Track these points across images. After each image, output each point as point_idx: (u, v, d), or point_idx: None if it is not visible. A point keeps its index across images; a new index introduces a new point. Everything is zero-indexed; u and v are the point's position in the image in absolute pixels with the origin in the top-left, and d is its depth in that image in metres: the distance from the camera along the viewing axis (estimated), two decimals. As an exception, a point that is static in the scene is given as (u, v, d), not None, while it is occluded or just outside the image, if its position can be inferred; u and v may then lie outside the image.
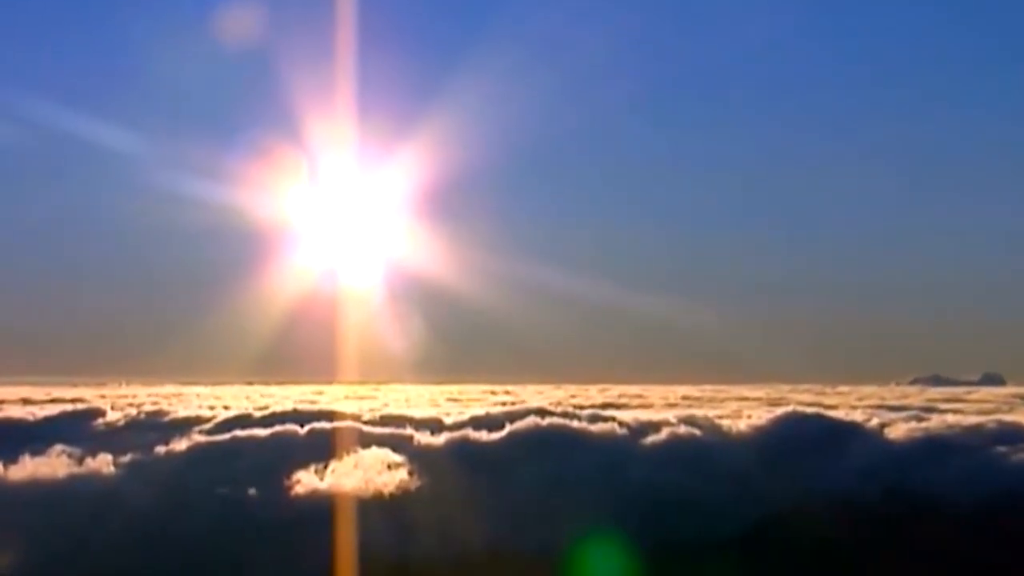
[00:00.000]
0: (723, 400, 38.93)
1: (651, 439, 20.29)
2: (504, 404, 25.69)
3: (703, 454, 20.02)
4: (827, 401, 28.06)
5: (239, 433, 20.50)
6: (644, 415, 23.02)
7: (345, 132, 15.95)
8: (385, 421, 22.50)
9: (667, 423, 21.53)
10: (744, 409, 28.14)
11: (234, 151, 17.19)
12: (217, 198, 19.15)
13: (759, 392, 45.96)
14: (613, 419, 21.78)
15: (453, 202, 17.60)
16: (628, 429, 21.16)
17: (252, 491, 18.42)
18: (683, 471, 19.72)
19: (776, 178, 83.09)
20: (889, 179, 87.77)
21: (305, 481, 19.12)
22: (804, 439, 20.27)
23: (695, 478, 19.67)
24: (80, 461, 18.96)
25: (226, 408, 23.56)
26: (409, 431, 21.17)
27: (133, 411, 25.17)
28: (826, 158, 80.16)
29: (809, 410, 22.20)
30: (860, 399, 36.22)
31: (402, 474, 19.21)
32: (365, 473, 19.35)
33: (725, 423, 22.65)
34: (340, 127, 15.89)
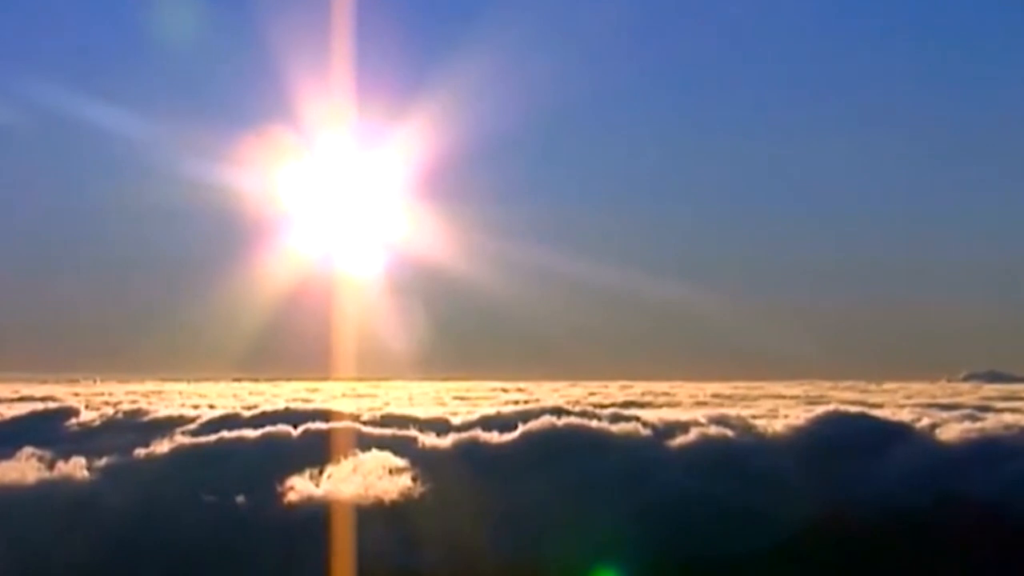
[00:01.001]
0: (757, 398, 38.79)
1: (679, 441, 20.27)
2: (516, 403, 25.57)
3: (736, 457, 20.03)
4: (872, 399, 28.00)
5: (226, 435, 20.41)
6: (671, 414, 23.03)
7: (342, 110, 15.92)
8: (386, 421, 22.52)
9: (696, 423, 21.58)
10: (780, 408, 28.17)
11: (223, 130, 17.19)
12: (203, 178, 19.09)
13: (796, 389, 45.90)
14: (636, 419, 21.74)
15: (460, 183, 17.68)
16: (653, 430, 21.15)
17: (241, 499, 18.42)
18: (714, 476, 19.69)
19: (814, 157, 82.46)
20: (940, 158, 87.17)
21: (299, 488, 19.14)
22: (847, 441, 20.22)
23: (728, 484, 19.66)
24: (51, 465, 18.77)
25: (211, 407, 23.52)
26: (412, 432, 21.12)
27: (109, 410, 25.14)
28: (871, 137, 79.75)
29: (852, 409, 22.13)
30: (908, 397, 36.12)
31: (405, 480, 19.24)
32: (364, 479, 19.39)
33: (760, 423, 22.67)
34: (337, 105, 15.87)
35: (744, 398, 38.40)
